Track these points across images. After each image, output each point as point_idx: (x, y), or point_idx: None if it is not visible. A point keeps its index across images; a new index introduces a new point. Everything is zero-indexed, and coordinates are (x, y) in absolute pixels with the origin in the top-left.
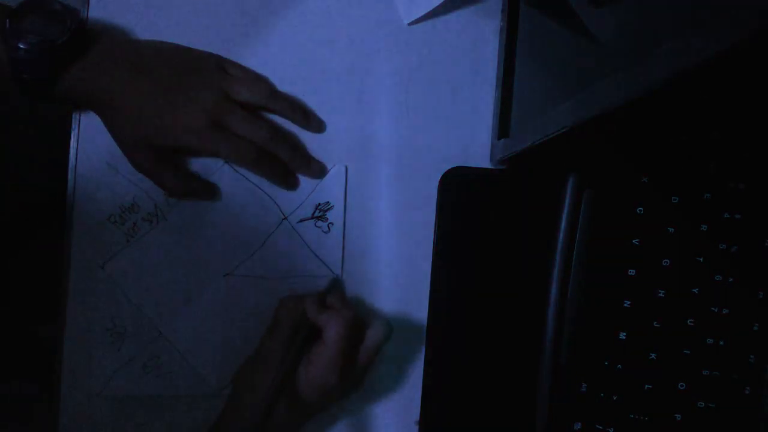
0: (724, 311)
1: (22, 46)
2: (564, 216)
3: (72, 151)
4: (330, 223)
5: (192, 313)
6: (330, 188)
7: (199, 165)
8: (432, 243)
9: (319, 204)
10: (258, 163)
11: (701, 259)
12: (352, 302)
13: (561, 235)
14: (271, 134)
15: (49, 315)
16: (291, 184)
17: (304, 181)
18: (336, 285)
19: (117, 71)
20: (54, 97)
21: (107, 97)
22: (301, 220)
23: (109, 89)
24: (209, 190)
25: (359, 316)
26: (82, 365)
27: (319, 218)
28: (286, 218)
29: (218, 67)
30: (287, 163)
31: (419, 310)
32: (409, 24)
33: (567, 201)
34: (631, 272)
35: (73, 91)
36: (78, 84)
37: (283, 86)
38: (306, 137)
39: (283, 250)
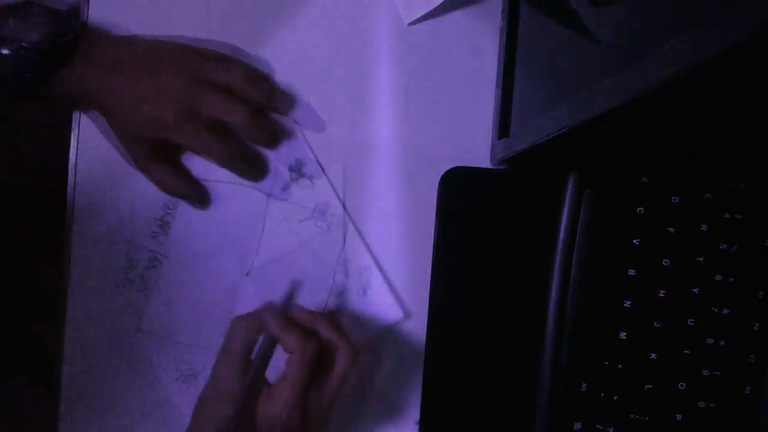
0: (724, 311)
1: (12, 50)
2: (564, 216)
3: (72, 151)
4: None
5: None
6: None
7: (198, 168)
8: (432, 243)
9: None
10: (230, 163)
11: (701, 259)
12: (316, 314)
13: (561, 235)
14: (249, 117)
15: (50, 317)
16: (260, 178)
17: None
18: (295, 289)
19: (98, 71)
20: (45, 99)
21: (95, 97)
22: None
23: (95, 89)
24: (201, 196)
25: (326, 341)
26: (82, 371)
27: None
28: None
29: (191, 53)
30: (266, 144)
31: (419, 310)
32: (409, 24)
33: (567, 201)
34: (631, 272)
35: (62, 94)
36: (67, 86)
37: (282, 86)
38: (306, 137)
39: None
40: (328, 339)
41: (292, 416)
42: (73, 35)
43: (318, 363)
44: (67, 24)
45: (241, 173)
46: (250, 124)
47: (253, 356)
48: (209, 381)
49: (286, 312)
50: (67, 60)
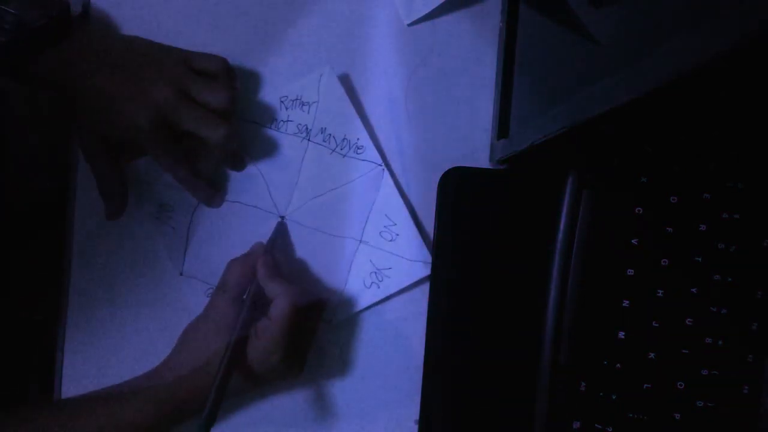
0: (723, 311)
1: (10, 23)
2: (563, 216)
3: (72, 151)
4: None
5: None
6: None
7: None
8: (432, 242)
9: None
10: (186, 185)
11: (700, 259)
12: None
13: (560, 235)
14: (227, 136)
15: (50, 317)
16: (213, 204)
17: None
18: (281, 230)
19: (84, 62)
20: (28, 80)
21: (71, 85)
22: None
23: (74, 78)
24: (120, 203)
25: (306, 291)
26: (81, 371)
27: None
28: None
29: (182, 62)
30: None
31: (419, 309)
32: (409, 24)
33: (567, 201)
34: (630, 272)
35: (43, 76)
36: (48, 70)
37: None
38: None
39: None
40: (307, 292)
41: (273, 353)
42: (48, 21)
43: (299, 313)
44: (46, 9)
45: (192, 194)
46: (227, 142)
47: (245, 296)
48: (203, 313)
49: (273, 254)
50: (62, 42)
